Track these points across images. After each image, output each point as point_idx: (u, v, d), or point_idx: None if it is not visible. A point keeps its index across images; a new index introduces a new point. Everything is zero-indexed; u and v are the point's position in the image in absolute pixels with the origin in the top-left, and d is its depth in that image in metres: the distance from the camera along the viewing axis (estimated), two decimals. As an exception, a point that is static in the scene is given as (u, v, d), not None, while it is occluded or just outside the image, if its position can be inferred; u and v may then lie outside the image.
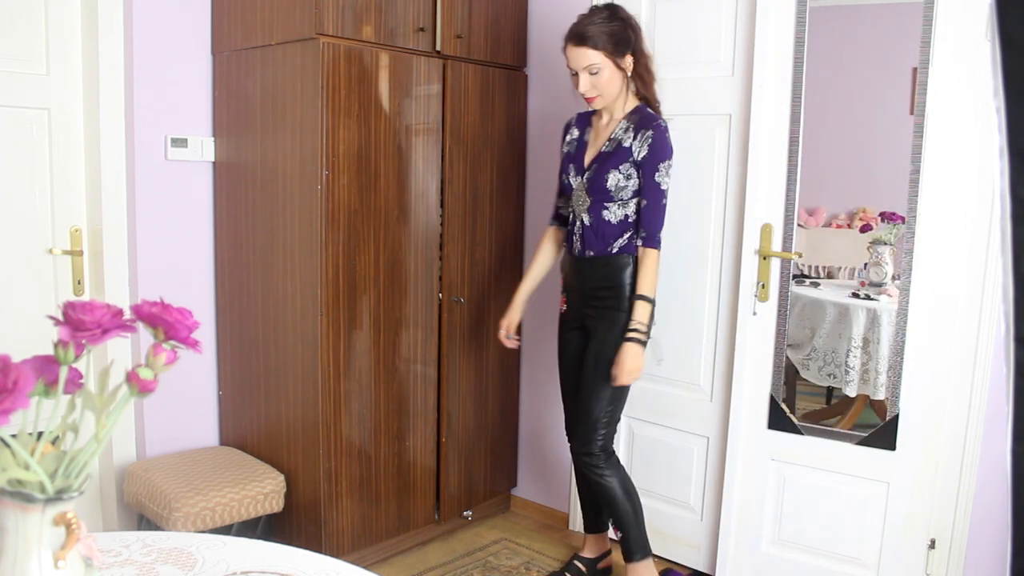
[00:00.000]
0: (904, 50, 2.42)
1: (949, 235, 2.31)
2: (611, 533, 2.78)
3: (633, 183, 2.41)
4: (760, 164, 2.53)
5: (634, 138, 2.40)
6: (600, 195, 2.44)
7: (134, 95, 2.63)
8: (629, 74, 2.42)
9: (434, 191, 2.81)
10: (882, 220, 2.78)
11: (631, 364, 2.38)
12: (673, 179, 2.73)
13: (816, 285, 2.91)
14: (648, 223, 2.41)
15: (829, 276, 3.03)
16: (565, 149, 2.59)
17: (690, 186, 2.74)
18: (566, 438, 2.69)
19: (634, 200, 2.44)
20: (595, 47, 2.33)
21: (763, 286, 2.57)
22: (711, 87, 2.67)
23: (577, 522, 3.08)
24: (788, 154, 2.49)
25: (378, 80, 2.58)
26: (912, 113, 2.32)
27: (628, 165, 2.40)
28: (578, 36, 2.34)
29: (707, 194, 2.71)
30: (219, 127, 2.81)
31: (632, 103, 2.47)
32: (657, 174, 2.39)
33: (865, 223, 2.92)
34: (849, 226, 3.01)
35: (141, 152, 2.67)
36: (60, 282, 2.63)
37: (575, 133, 2.58)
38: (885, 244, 2.75)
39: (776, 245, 2.54)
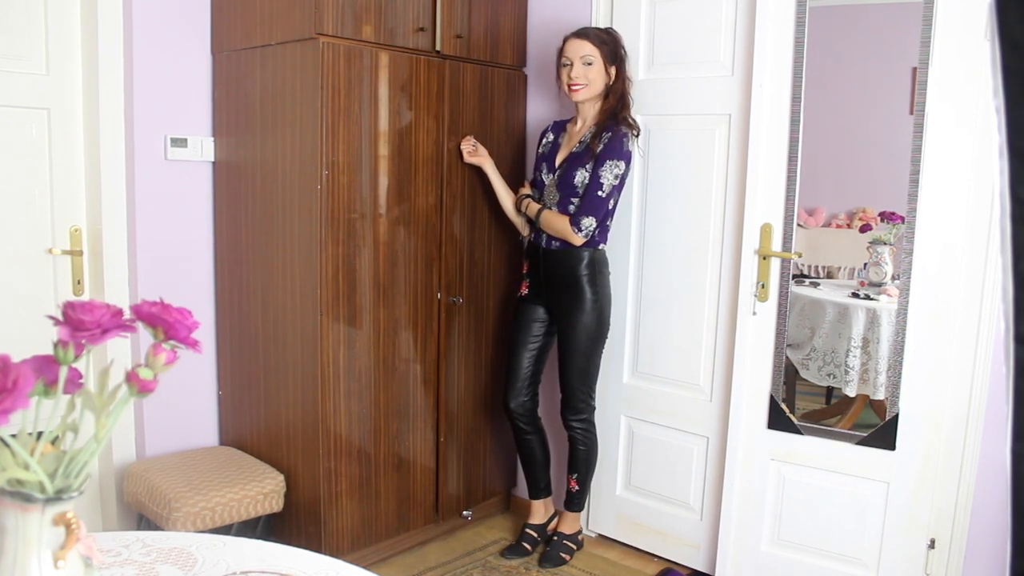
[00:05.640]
0: (904, 50, 2.42)
1: (949, 235, 2.31)
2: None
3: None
4: (760, 164, 2.53)
5: (600, 140, 2.64)
6: (568, 191, 2.66)
7: (134, 95, 2.63)
8: (610, 83, 2.65)
9: (434, 191, 2.81)
10: (882, 220, 2.78)
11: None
12: (673, 179, 2.78)
13: (816, 285, 2.92)
14: (580, 208, 2.62)
15: (829, 276, 3.03)
16: (540, 150, 2.86)
17: (690, 186, 2.75)
18: (505, 403, 2.88)
19: None
20: (592, 42, 2.63)
21: (763, 286, 2.57)
22: (711, 87, 2.67)
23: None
24: (788, 154, 2.49)
25: (378, 80, 2.58)
26: (912, 113, 2.32)
27: (591, 164, 2.64)
28: (580, 32, 2.66)
29: (707, 194, 2.71)
30: (219, 127, 2.81)
31: (602, 115, 2.67)
32: (602, 168, 2.60)
33: (865, 223, 2.92)
34: (849, 226, 3.02)
35: (141, 152, 2.67)
36: (60, 282, 2.63)
37: (550, 137, 2.85)
38: (885, 244, 2.75)
39: (776, 245, 2.54)
